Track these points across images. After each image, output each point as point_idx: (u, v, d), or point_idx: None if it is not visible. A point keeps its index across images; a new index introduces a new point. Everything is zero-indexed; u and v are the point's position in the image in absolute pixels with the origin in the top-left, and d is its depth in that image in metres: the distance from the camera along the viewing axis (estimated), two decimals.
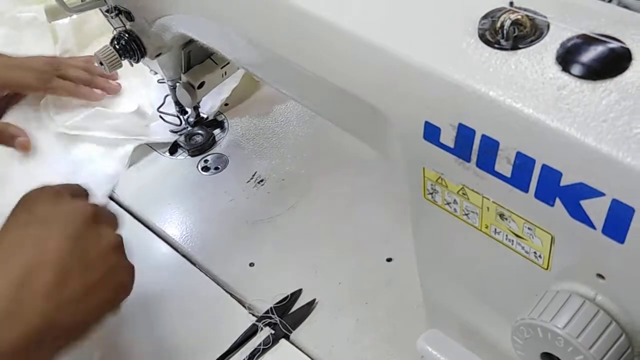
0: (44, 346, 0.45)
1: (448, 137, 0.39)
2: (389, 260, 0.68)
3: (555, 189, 0.35)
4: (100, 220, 0.51)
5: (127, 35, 0.68)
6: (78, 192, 0.55)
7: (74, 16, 0.80)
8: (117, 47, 0.68)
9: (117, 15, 0.67)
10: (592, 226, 0.34)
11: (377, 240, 0.70)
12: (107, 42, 0.70)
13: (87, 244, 0.48)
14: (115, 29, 0.70)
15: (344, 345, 0.62)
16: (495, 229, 0.40)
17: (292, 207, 0.74)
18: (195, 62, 0.76)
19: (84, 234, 0.49)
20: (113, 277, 0.50)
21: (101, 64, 0.69)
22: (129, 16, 0.67)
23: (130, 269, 0.53)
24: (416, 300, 0.61)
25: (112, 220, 0.54)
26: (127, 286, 0.52)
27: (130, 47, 0.68)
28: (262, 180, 0.78)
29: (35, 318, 0.44)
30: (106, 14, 0.68)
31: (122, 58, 0.69)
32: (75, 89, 0.85)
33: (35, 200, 0.51)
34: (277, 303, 0.65)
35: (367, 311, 0.64)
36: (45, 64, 0.84)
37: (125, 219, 0.71)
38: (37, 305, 0.45)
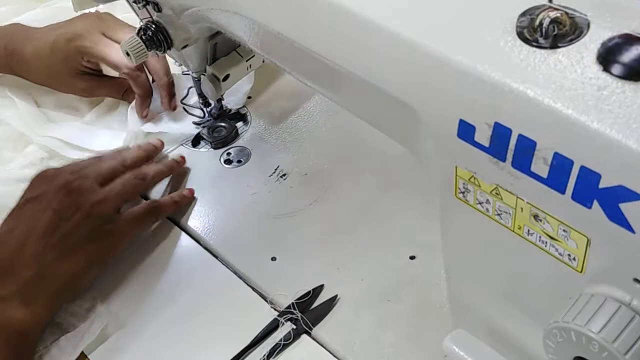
0: (39, 292, 0.62)
1: (483, 135, 0.38)
2: (412, 257, 0.67)
3: (593, 191, 0.34)
4: (83, 190, 0.66)
5: (154, 26, 0.68)
6: (79, 167, 0.70)
7: (101, 6, 0.80)
8: (144, 38, 0.68)
9: (144, 5, 0.67)
10: (631, 230, 0.33)
11: (401, 237, 0.69)
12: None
13: (66, 216, 0.64)
14: (142, 19, 0.69)
15: (365, 343, 0.61)
16: (529, 230, 0.39)
17: (315, 201, 0.74)
18: (220, 54, 0.76)
19: (64, 208, 0.64)
20: (90, 242, 0.65)
21: (128, 54, 0.69)
22: (157, 7, 0.66)
23: (116, 231, 0.67)
24: (439, 298, 0.61)
25: (90, 186, 0.67)
26: (106, 248, 0.67)
27: (157, 38, 0.68)
28: (284, 174, 0.78)
29: (26, 272, 0.62)
30: (133, 4, 0.68)
31: (149, 49, 0.68)
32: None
33: (36, 181, 0.67)
34: (299, 298, 0.64)
35: (390, 309, 0.63)
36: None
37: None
38: (28, 263, 0.62)
